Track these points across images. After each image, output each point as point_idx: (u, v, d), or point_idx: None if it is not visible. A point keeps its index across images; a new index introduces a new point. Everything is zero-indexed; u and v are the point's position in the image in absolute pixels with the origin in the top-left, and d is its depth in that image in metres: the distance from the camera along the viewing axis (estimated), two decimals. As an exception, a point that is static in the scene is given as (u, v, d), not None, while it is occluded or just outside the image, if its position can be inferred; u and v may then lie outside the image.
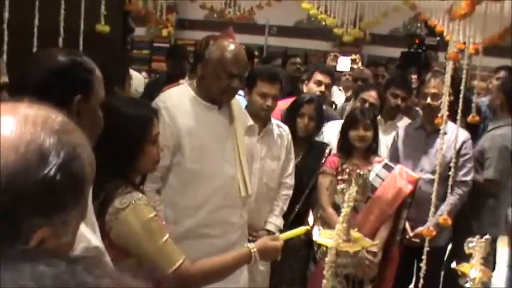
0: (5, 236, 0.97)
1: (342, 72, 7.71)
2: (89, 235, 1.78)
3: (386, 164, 4.16)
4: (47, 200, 1.00)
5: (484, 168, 4.77)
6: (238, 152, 3.48)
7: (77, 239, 1.70)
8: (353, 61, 7.83)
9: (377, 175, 4.01)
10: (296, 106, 4.43)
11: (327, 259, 2.42)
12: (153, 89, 5.07)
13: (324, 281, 2.40)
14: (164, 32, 8.40)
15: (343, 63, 7.86)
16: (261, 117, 4.01)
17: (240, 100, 3.84)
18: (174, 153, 3.30)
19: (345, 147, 4.21)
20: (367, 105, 4.88)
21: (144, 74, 9.37)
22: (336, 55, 7.63)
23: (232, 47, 3.41)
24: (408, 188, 4.03)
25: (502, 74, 6.42)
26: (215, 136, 3.42)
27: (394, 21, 9.58)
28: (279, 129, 4.14)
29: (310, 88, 5.08)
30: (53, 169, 1.00)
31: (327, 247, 2.44)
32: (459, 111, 3.82)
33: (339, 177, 3.95)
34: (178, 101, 3.41)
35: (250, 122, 3.92)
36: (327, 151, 4.41)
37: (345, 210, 2.44)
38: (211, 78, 3.37)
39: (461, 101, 3.76)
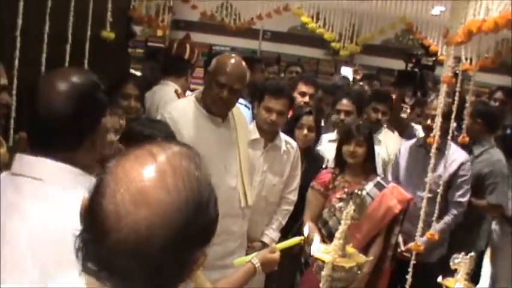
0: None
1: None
2: None
3: (378, 182, 4.11)
4: (207, 235, 1.15)
5: (486, 193, 4.89)
6: (240, 163, 3.58)
7: None
8: (355, 71, 8.00)
9: (368, 194, 3.98)
10: (295, 117, 4.47)
11: (323, 273, 2.52)
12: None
13: (320, 294, 2.52)
14: (159, 32, 8.40)
15: (345, 73, 8.07)
16: (266, 132, 4.05)
17: (244, 112, 3.92)
18: None
19: (340, 162, 4.16)
20: (342, 115, 5.04)
21: (138, 73, 9.44)
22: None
23: (227, 59, 3.52)
24: (397, 208, 4.05)
25: (498, 94, 6.59)
26: (218, 147, 3.52)
27: (386, 32, 9.72)
28: (287, 145, 4.16)
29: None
30: (210, 208, 1.14)
31: (323, 261, 2.55)
32: (450, 131, 3.95)
33: (336, 195, 3.89)
34: (183, 112, 3.52)
35: (256, 135, 3.99)
36: (324, 165, 4.47)
37: (342, 227, 2.55)
38: (205, 88, 3.54)
39: (452, 122, 3.89)
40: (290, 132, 4.40)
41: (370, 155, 4.14)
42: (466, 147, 4.69)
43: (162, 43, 10.44)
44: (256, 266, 2.64)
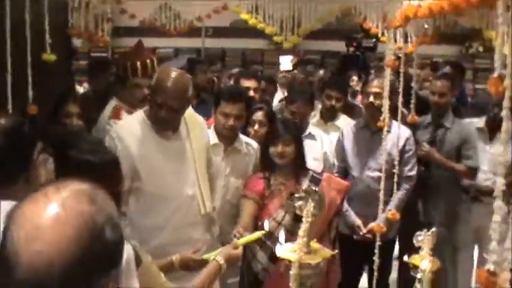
0: None
1: (285, 71, 7.91)
2: None
3: (312, 176, 3.85)
4: (108, 261, 1.18)
5: (466, 157, 5.05)
6: (196, 171, 3.59)
7: None
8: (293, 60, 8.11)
9: None
10: (247, 114, 4.35)
11: (291, 272, 2.55)
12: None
13: (291, 293, 2.54)
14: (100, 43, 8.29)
15: (286, 62, 8.15)
16: (225, 136, 4.04)
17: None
18: (131, 179, 3.40)
19: (268, 164, 3.97)
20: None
21: (85, 85, 9.35)
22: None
23: (164, 76, 3.44)
24: (338, 199, 4.00)
25: (447, 69, 6.75)
26: (170, 160, 3.52)
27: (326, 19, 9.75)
28: (248, 147, 4.15)
29: None
30: (105, 236, 1.16)
31: (290, 261, 2.58)
32: (399, 109, 4.03)
33: (274, 204, 3.80)
34: (131, 128, 3.51)
35: (215, 140, 3.98)
36: None
37: (304, 226, 2.58)
38: (149, 105, 3.52)
39: (400, 101, 3.98)
40: (242, 129, 4.39)
41: (300, 152, 3.97)
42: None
43: (105, 52, 10.39)
44: (221, 263, 2.74)
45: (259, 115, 4.48)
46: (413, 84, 4.18)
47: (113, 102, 4.50)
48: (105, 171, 2.32)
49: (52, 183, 1.20)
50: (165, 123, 3.49)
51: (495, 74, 1.63)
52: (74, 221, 1.12)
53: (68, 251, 1.10)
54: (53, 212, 1.12)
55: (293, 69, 7.91)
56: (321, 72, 6.94)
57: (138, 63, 4.40)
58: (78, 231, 1.11)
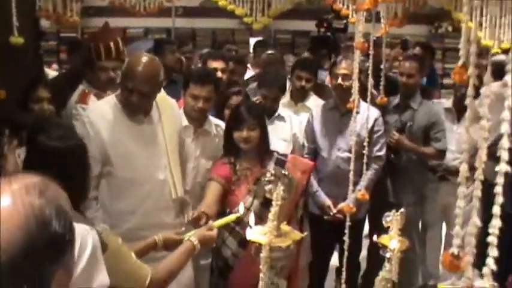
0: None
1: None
2: None
3: (277, 159, 3.90)
4: (56, 250, 1.22)
5: (435, 140, 5.10)
6: (167, 155, 3.60)
7: None
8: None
9: None
10: (223, 98, 4.41)
11: (262, 255, 2.58)
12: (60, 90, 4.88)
13: (261, 275, 2.56)
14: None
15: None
16: (194, 118, 4.05)
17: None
18: (102, 163, 3.42)
19: (232, 149, 3.91)
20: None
21: (54, 65, 9.25)
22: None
23: (135, 61, 3.46)
24: (304, 179, 4.00)
25: (417, 50, 6.80)
26: (141, 144, 3.53)
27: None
28: (217, 128, 4.16)
29: None
30: (53, 226, 1.20)
31: (260, 244, 2.60)
32: (369, 91, 4.06)
33: (242, 189, 3.78)
34: (102, 113, 3.52)
35: (185, 122, 3.99)
36: None
37: (274, 209, 2.60)
38: (120, 90, 3.52)
39: (370, 83, 4.00)
40: (218, 113, 4.42)
41: (264, 136, 3.93)
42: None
43: (74, 32, 10.28)
44: (195, 243, 2.78)
45: (238, 99, 4.50)
46: (382, 65, 4.21)
47: (81, 87, 4.48)
48: (72, 158, 2.33)
49: (5, 177, 1.24)
50: (136, 108, 3.50)
51: (459, 63, 1.66)
52: (22, 212, 1.17)
53: (15, 241, 1.15)
54: (2, 204, 1.17)
55: (254, 51, 7.97)
56: (305, 54, 7.00)
57: (101, 46, 4.37)
58: (26, 222, 1.16)
